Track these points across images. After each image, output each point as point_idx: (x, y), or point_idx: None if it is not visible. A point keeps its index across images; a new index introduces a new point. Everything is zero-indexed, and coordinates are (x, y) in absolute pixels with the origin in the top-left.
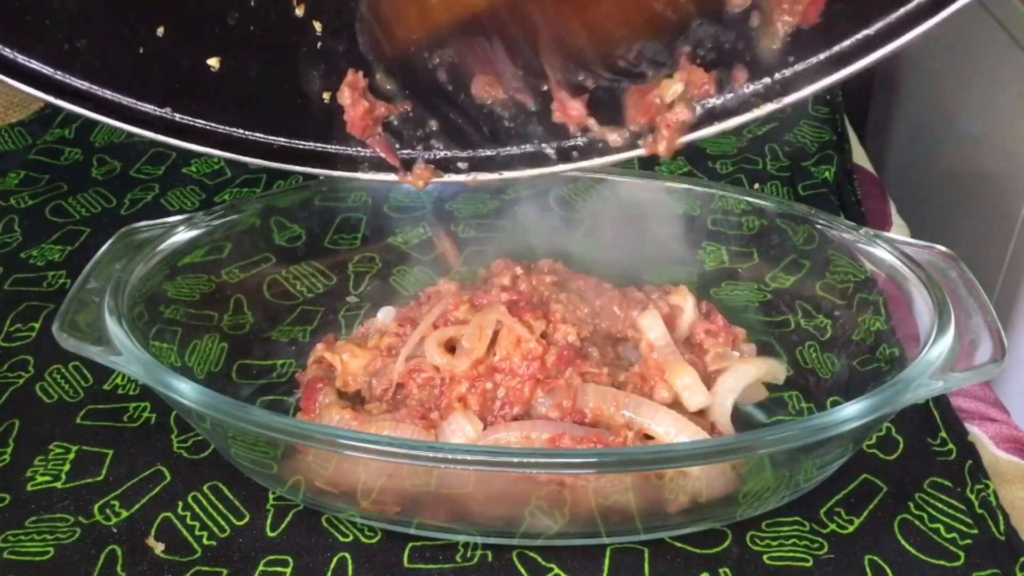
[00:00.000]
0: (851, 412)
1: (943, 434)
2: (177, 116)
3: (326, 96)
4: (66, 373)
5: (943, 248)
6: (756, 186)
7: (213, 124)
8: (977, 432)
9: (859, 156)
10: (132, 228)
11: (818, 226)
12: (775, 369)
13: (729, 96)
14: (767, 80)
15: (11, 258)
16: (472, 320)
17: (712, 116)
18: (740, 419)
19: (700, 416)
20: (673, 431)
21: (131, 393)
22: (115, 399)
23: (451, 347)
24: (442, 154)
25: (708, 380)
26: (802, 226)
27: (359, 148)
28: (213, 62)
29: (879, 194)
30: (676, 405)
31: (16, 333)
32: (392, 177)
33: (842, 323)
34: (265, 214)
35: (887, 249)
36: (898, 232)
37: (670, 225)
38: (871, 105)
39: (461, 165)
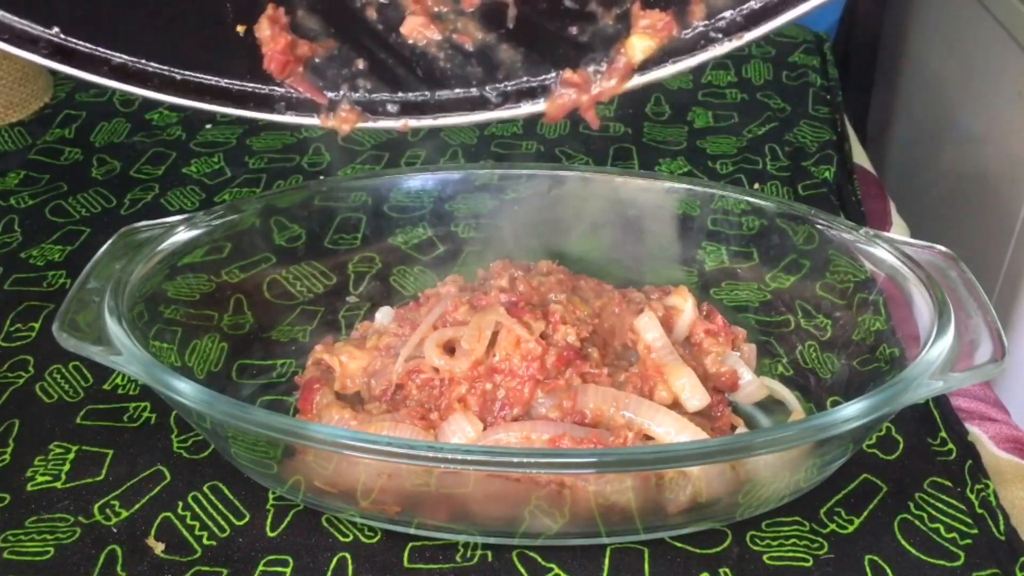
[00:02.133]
0: (851, 412)
1: (943, 434)
2: (67, 39)
3: (240, 29)
4: (66, 373)
5: (943, 248)
6: (756, 186)
7: (106, 51)
8: (977, 432)
9: (859, 156)
10: (132, 228)
11: (818, 226)
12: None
13: (687, 33)
14: (727, 14)
15: (11, 258)
16: (471, 321)
17: (669, 54)
18: (740, 419)
19: (700, 416)
20: (673, 432)
21: (131, 393)
22: (115, 399)
23: (450, 348)
24: (370, 96)
25: (708, 380)
26: (802, 226)
27: (276, 87)
28: None
29: (879, 194)
30: (676, 406)
31: (16, 333)
32: (313, 120)
33: (842, 323)
34: (265, 214)
35: (887, 249)
36: (898, 232)
37: (670, 225)
38: (871, 105)
39: (391, 108)
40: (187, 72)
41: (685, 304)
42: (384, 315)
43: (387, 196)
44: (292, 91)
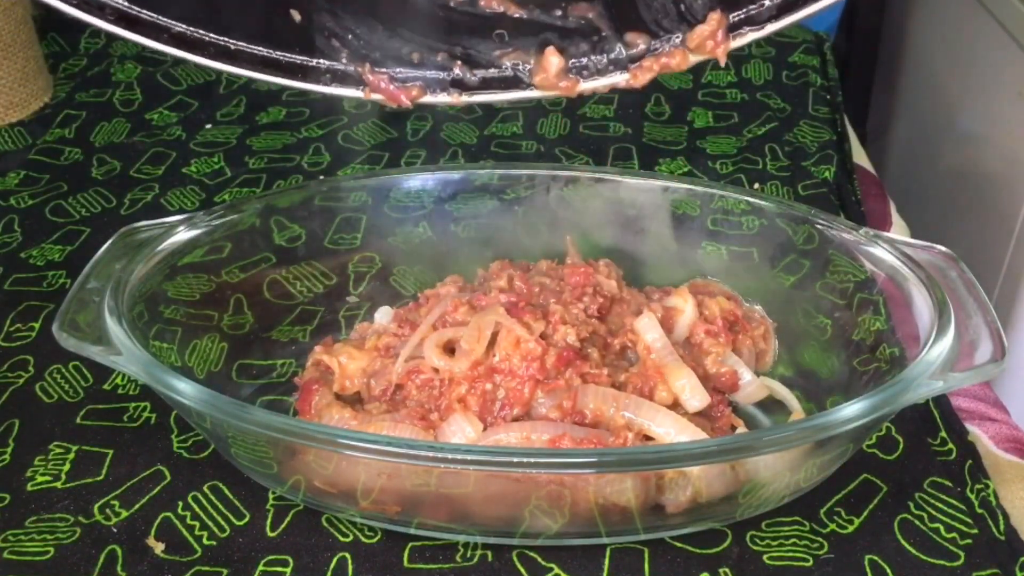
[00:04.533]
0: (851, 412)
1: (943, 434)
2: (131, 7)
3: (295, 16)
4: (66, 373)
5: (943, 248)
6: (756, 186)
7: (167, 19)
8: (977, 432)
9: (859, 156)
10: (132, 228)
11: (818, 226)
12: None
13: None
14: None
15: (11, 258)
16: (471, 321)
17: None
18: (740, 419)
19: (700, 417)
20: (673, 432)
21: (131, 393)
22: (115, 399)
23: (450, 348)
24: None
25: (708, 381)
26: (802, 226)
27: (322, 60)
28: None
29: (879, 194)
30: (676, 406)
31: (16, 333)
32: (356, 93)
33: (842, 323)
34: (265, 214)
35: (887, 249)
36: (898, 232)
37: (670, 225)
38: (871, 105)
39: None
40: (241, 43)
41: (685, 305)
42: (383, 315)
43: (387, 196)
44: (336, 64)
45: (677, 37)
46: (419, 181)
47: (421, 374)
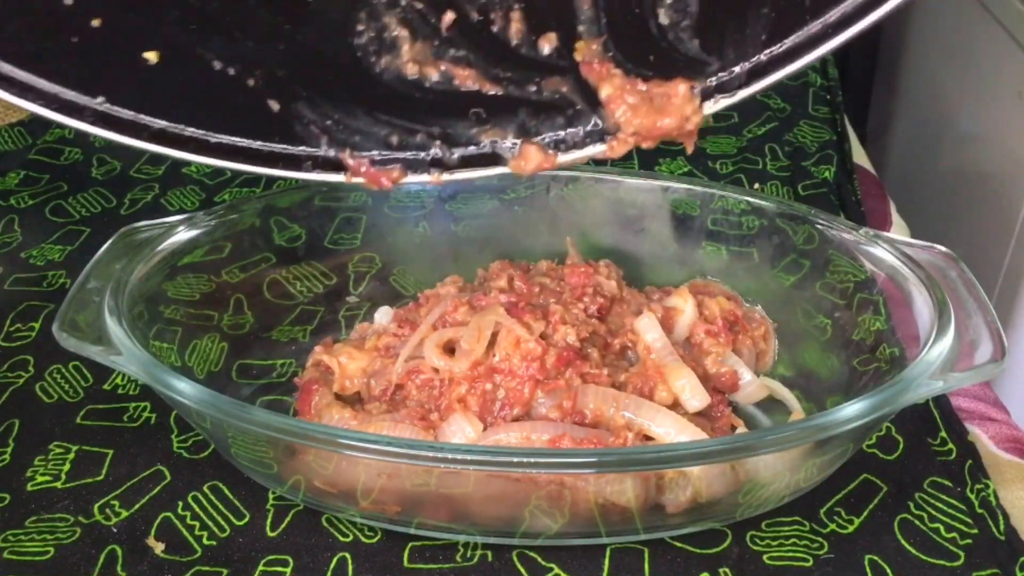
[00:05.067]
0: (851, 412)
1: (943, 434)
2: (110, 107)
3: (274, 106)
4: (66, 373)
5: (943, 248)
6: (756, 186)
7: (146, 117)
8: (977, 432)
9: (859, 156)
10: (132, 228)
11: (818, 226)
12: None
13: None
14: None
15: (11, 258)
16: (471, 321)
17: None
18: (740, 419)
19: (700, 417)
20: (673, 432)
21: (131, 393)
22: (115, 399)
23: (450, 348)
24: (403, 155)
25: (708, 381)
26: (802, 226)
27: (303, 148)
28: (151, 56)
29: (879, 194)
30: (676, 406)
31: (16, 333)
32: (339, 178)
33: (842, 323)
34: (265, 214)
35: (887, 249)
36: (898, 232)
37: (670, 225)
38: (871, 105)
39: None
40: (220, 135)
41: (685, 305)
42: (383, 315)
43: (387, 196)
44: (317, 151)
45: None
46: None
47: (421, 374)
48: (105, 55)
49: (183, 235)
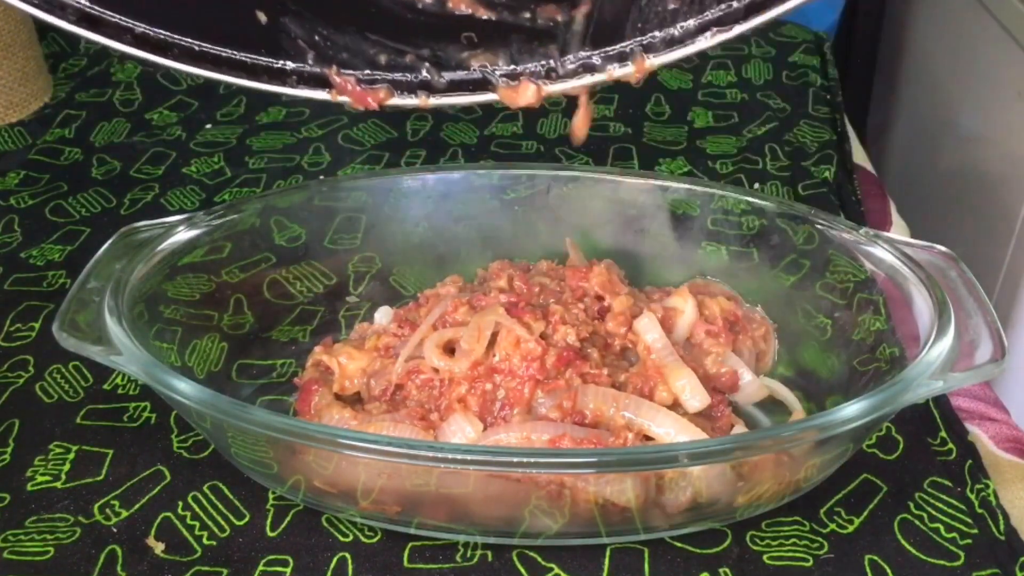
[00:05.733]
0: (851, 412)
1: (943, 434)
2: (93, 7)
3: (262, 17)
4: (66, 373)
5: (943, 248)
6: (756, 186)
7: (130, 20)
8: (977, 432)
9: (859, 156)
10: (132, 228)
11: (818, 226)
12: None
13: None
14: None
15: (11, 258)
16: (471, 321)
17: (673, 42)
18: (740, 419)
19: (700, 417)
20: (673, 432)
21: (131, 393)
22: (115, 399)
23: (450, 349)
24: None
25: (708, 381)
26: (802, 226)
27: (288, 62)
28: None
29: (879, 194)
30: (676, 406)
31: (16, 333)
32: (323, 94)
33: (842, 323)
34: (265, 214)
35: (887, 249)
36: (898, 232)
37: (670, 225)
38: (871, 105)
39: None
40: (205, 44)
41: (685, 305)
42: (383, 315)
43: (387, 196)
44: (303, 66)
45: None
46: (419, 181)
47: (421, 374)
48: None
49: (183, 235)
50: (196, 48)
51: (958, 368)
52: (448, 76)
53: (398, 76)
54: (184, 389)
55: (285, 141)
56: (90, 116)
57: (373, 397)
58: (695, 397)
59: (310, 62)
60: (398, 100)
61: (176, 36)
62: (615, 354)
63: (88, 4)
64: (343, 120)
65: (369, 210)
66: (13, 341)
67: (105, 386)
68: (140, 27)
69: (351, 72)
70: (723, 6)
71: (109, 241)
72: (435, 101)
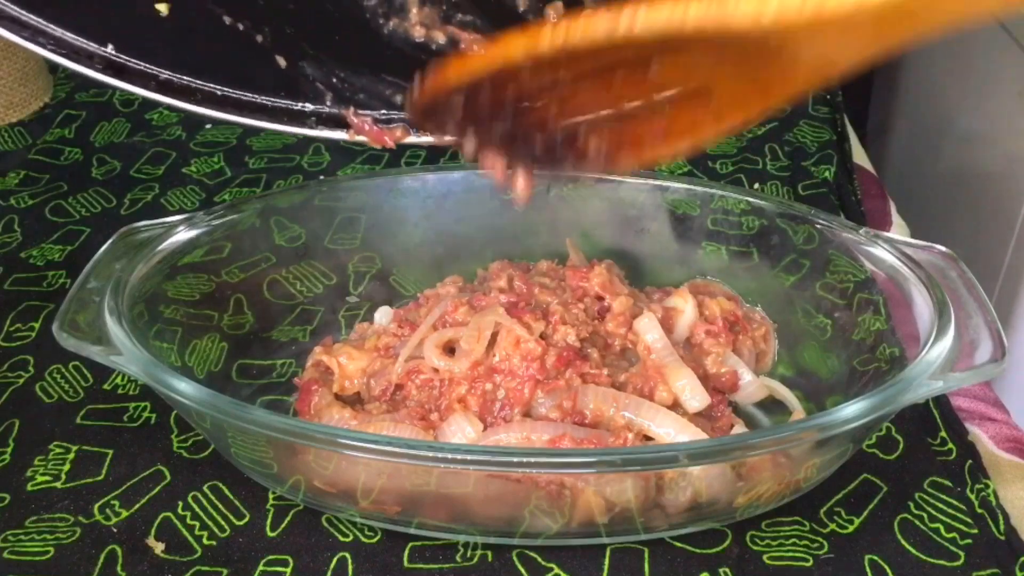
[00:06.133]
0: (851, 412)
1: (943, 434)
2: (119, 55)
3: (282, 62)
4: (66, 373)
5: (943, 248)
6: (756, 186)
7: (154, 67)
8: (977, 432)
9: (859, 156)
10: (132, 228)
11: (818, 226)
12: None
13: None
14: None
15: (11, 258)
16: (471, 322)
17: None
18: (740, 419)
19: (700, 417)
20: (673, 432)
21: (131, 393)
22: (115, 399)
23: (450, 349)
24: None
25: (708, 381)
26: (802, 226)
27: (306, 104)
28: (161, 7)
29: (879, 194)
30: (676, 407)
31: (16, 333)
32: (341, 134)
33: (842, 323)
34: (265, 214)
35: (887, 249)
36: (898, 232)
37: (670, 225)
38: (871, 105)
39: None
40: (227, 88)
41: (685, 305)
42: (382, 315)
43: (387, 196)
44: (321, 107)
45: None
46: (419, 181)
47: (421, 374)
48: (116, 4)
49: (183, 235)
50: (218, 92)
51: (958, 368)
52: None
53: None
54: (184, 389)
55: (285, 141)
56: (90, 116)
57: (373, 397)
58: (695, 397)
59: (328, 104)
60: (414, 138)
61: (198, 81)
62: (615, 354)
63: (113, 53)
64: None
65: (369, 210)
66: (13, 341)
67: (105, 386)
68: (164, 74)
69: (368, 112)
70: None
71: (109, 241)
72: (449, 138)
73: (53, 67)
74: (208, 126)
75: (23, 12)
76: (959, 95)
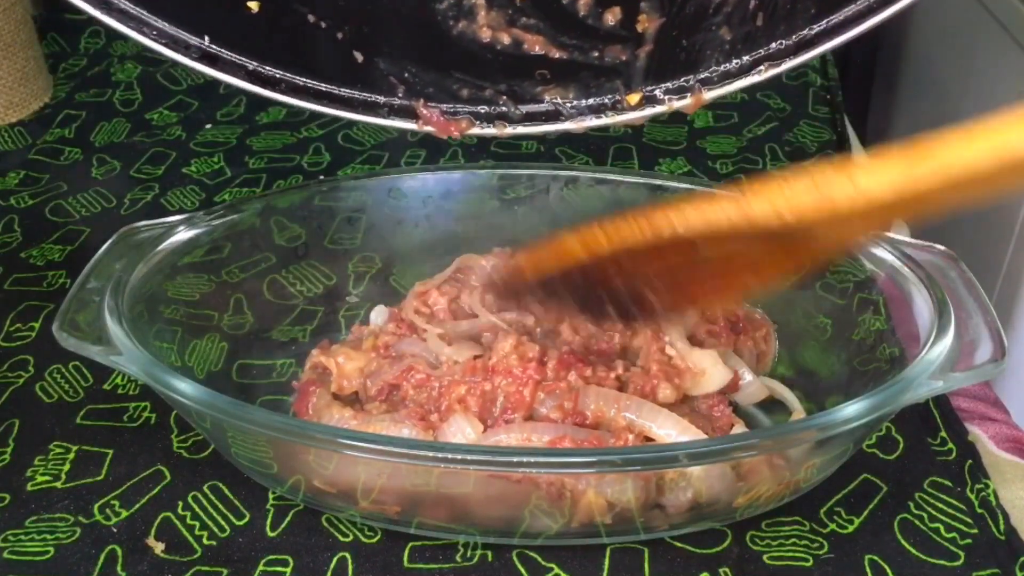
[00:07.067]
0: (851, 412)
1: (943, 434)
2: (212, 46)
3: (359, 57)
4: (66, 373)
5: (943, 248)
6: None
7: (244, 58)
8: (977, 432)
9: (859, 156)
10: (132, 228)
11: None
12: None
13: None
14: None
15: (11, 258)
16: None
17: (728, 76)
18: (740, 419)
19: (700, 417)
20: (674, 433)
21: (131, 393)
22: (115, 399)
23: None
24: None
25: None
26: None
27: (380, 95)
28: (253, 5)
29: None
30: (677, 407)
31: (16, 333)
32: (411, 125)
33: (842, 323)
34: (265, 214)
35: (887, 249)
36: (898, 232)
37: None
38: (871, 105)
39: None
40: (308, 79)
41: None
42: (378, 314)
43: (387, 196)
44: (393, 99)
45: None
46: (419, 181)
47: (416, 374)
48: (213, 1)
49: (183, 235)
50: (300, 83)
51: (958, 368)
52: (523, 108)
53: (478, 108)
54: (184, 389)
55: (285, 141)
56: (90, 116)
57: (370, 397)
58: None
59: (400, 96)
60: (478, 130)
61: (282, 72)
62: (616, 354)
63: (208, 44)
64: (343, 120)
65: (369, 210)
66: (13, 341)
67: (105, 386)
68: (252, 64)
69: (436, 104)
70: (776, 43)
71: (109, 241)
72: (511, 131)
73: (53, 67)
74: (208, 126)
75: (131, 5)
76: (959, 95)
